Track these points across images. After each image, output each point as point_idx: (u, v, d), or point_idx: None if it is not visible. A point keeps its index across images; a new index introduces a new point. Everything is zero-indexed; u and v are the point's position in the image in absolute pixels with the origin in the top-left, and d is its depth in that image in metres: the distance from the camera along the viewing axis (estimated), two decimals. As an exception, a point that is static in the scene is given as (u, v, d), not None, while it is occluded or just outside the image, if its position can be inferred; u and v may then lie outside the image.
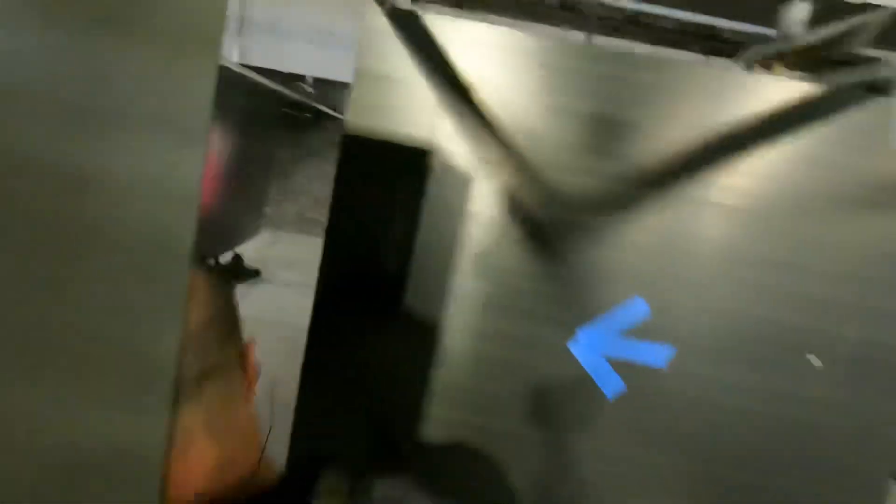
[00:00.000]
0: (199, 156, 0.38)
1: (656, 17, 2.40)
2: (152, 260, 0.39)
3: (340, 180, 1.30)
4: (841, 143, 1.27)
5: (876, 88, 1.27)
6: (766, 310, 1.29)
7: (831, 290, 1.29)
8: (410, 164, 1.29)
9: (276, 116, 8.43)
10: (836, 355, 1.29)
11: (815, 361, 1.29)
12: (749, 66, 1.82)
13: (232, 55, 5.14)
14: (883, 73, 1.26)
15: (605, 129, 1.28)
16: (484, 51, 1.26)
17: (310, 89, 6.42)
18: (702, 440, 1.32)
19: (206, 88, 0.38)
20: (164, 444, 0.41)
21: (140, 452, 0.41)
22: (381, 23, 1.25)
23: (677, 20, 2.48)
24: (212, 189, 6.16)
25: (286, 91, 6.98)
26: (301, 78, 6.06)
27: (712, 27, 2.31)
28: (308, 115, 7.67)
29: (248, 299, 5.81)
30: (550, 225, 1.30)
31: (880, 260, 1.28)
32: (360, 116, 1.28)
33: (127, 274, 0.39)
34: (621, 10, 2.39)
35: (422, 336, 1.32)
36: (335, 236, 1.31)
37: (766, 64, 1.77)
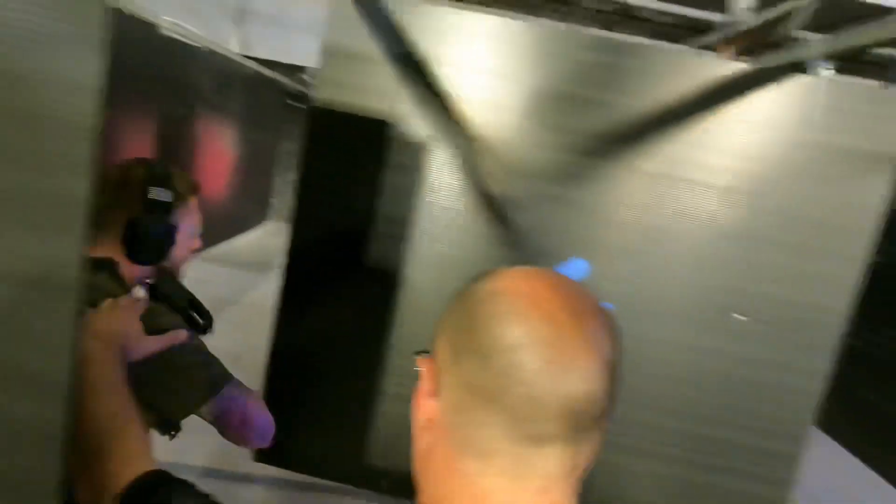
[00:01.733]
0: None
1: (634, 7, 2.51)
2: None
3: (308, 154, 1.43)
4: (789, 123, 1.37)
5: (801, 68, 1.37)
6: (699, 273, 1.40)
7: (763, 254, 1.40)
8: (374, 136, 1.41)
9: (280, 107, 8.58)
10: (762, 315, 1.40)
11: (740, 318, 1.40)
12: (705, 50, 1.92)
13: (233, 45, 5.27)
14: (808, 53, 1.36)
15: (559, 104, 1.39)
16: (446, 32, 1.38)
17: (311, 80, 6.54)
18: (639, 393, 1.43)
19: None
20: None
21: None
22: (347, 4, 1.37)
23: (657, 10, 2.59)
24: (216, 178, 6.31)
25: (288, 82, 7.10)
26: (302, 69, 6.18)
27: (690, 17, 2.42)
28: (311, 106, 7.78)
29: (257, 290, 5.94)
30: (507, 194, 1.42)
31: (816, 227, 1.38)
32: (327, 93, 1.40)
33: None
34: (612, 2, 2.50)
35: (385, 298, 1.45)
36: (303, 208, 1.44)
37: (722, 48, 1.87)
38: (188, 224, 1.17)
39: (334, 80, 1.41)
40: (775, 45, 1.73)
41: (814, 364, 1.41)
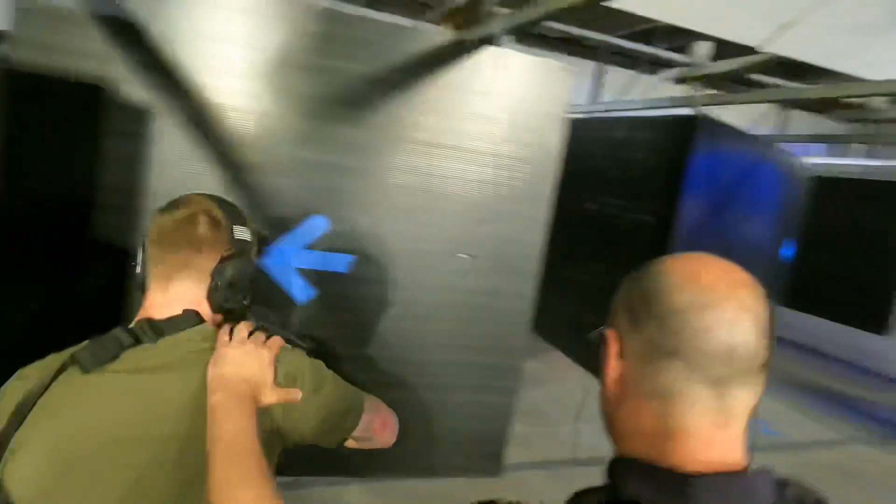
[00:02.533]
0: None
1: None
2: None
3: (9, 122, 1.30)
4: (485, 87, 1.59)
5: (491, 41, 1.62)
6: (424, 221, 1.59)
7: (486, 199, 1.63)
8: (87, 102, 1.33)
9: None
10: (481, 251, 1.65)
11: (465, 258, 1.63)
12: (432, 22, 2.10)
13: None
14: (494, 27, 1.61)
15: (294, 72, 1.44)
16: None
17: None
18: (383, 330, 1.59)
19: None
20: None
21: None
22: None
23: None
24: None
25: None
26: None
27: None
28: None
29: None
30: (241, 156, 1.44)
31: (518, 173, 1.65)
32: (25, 54, 1.28)
33: None
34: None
35: (112, 265, 1.39)
36: (9, 179, 1.31)
37: (445, 22, 2.07)
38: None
39: (33, 40, 1.29)
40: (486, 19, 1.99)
41: (522, 288, 1.70)
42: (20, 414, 0.83)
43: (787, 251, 4.21)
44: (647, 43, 5.35)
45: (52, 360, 0.90)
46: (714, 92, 2.88)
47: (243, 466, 0.77)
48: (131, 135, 1.37)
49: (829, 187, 4.60)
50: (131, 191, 1.38)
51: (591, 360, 2.95)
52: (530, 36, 5.38)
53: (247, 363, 0.88)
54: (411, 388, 1.66)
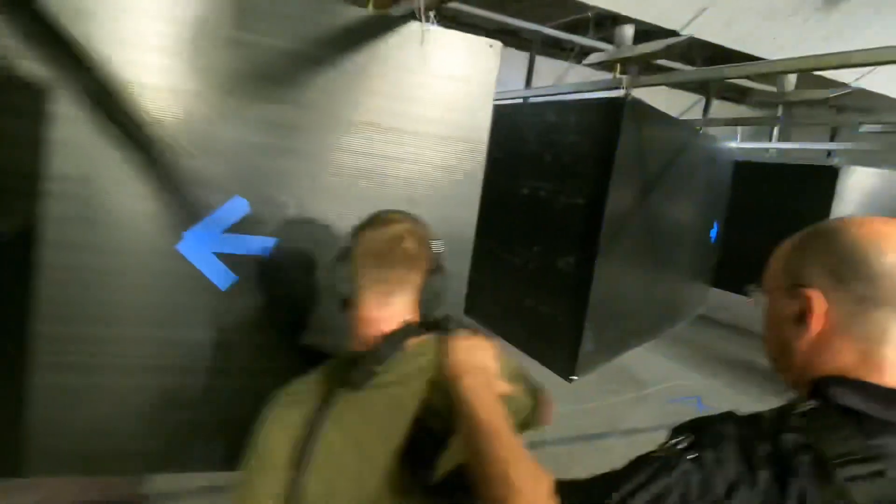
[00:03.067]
0: None
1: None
2: None
3: None
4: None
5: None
6: (352, 202, 1.54)
7: (404, 177, 1.60)
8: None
9: None
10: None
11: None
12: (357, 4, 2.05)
13: None
14: (417, 4, 1.58)
15: (210, 46, 1.36)
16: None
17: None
18: (302, 312, 1.54)
19: None
20: None
21: None
22: None
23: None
24: None
25: None
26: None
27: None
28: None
29: None
30: (154, 136, 1.35)
31: (452, 150, 1.62)
32: None
33: None
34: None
35: (14, 256, 1.28)
36: None
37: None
38: None
39: None
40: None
41: (457, 269, 1.68)
42: (312, 431, 0.93)
43: (715, 232, 4.40)
44: (578, 33, 5.46)
45: (312, 384, 1.01)
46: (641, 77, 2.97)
47: (511, 444, 0.83)
48: (25, 112, 1.26)
49: (749, 171, 4.83)
50: (30, 174, 1.27)
51: (528, 343, 2.98)
52: (465, 25, 5.39)
53: (481, 356, 0.97)
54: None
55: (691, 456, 0.68)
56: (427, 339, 1.01)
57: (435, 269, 1.06)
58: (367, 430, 0.95)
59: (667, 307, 3.70)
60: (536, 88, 3.19)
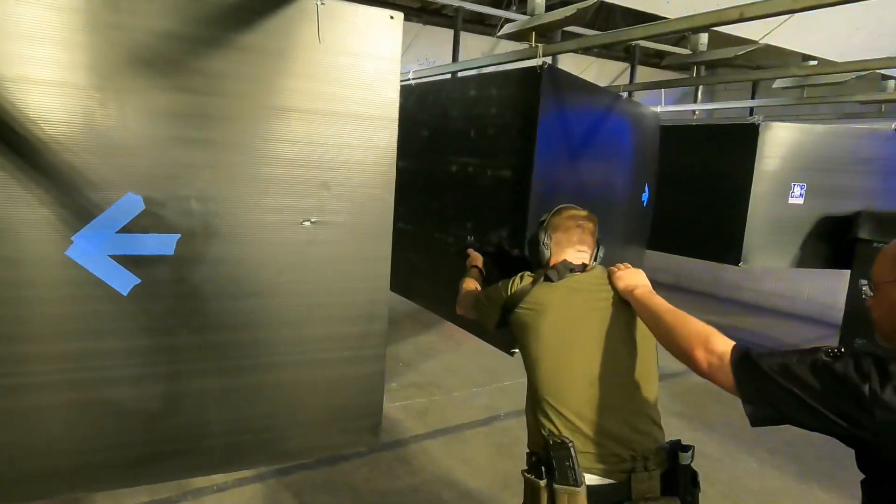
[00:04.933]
0: None
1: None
2: None
3: None
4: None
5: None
6: (259, 189, 1.47)
7: (315, 160, 1.53)
8: None
9: None
10: (330, 216, 1.56)
11: (308, 223, 1.54)
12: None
13: None
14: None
15: (83, 33, 1.25)
16: None
17: None
18: (222, 313, 1.46)
19: None
20: None
21: None
22: None
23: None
24: None
25: None
26: None
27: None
28: None
29: None
30: (34, 133, 1.24)
31: (369, 126, 1.56)
32: None
33: None
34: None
35: None
36: None
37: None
38: None
39: None
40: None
41: (377, 251, 1.64)
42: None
43: (647, 196, 4.49)
44: (502, 8, 5.43)
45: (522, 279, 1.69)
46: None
47: (678, 315, 1.33)
48: None
49: (676, 134, 4.95)
50: None
51: (470, 323, 2.96)
52: (387, 4, 5.26)
53: (639, 276, 1.57)
54: (269, 369, 1.55)
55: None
56: (599, 267, 1.68)
57: (597, 236, 1.74)
58: (570, 299, 1.59)
59: (605, 273, 3.75)
60: (458, 63, 3.15)
